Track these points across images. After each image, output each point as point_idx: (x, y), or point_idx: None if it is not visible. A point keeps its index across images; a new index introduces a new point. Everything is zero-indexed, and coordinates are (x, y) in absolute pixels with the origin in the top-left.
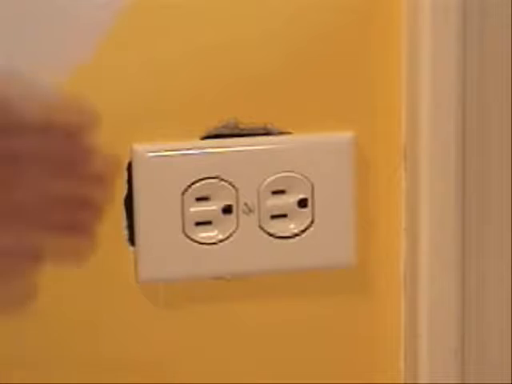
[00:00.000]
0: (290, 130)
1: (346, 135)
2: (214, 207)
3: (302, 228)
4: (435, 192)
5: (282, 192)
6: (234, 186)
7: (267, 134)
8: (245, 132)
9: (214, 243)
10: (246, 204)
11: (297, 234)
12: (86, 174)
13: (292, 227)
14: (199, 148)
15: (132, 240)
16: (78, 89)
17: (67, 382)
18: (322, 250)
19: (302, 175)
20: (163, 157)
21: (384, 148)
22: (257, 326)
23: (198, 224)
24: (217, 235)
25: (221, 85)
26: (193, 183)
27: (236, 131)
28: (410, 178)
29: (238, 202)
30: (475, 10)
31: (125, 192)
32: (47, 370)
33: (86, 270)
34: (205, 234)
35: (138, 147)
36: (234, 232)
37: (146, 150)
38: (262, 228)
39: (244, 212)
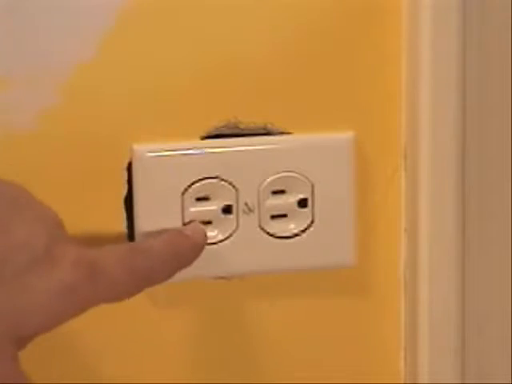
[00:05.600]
0: (290, 130)
1: (346, 135)
2: (213, 207)
3: (302, 228)
4: (435, 192)
5: (282, 192)
6: (234, 186)
7: (267, 134)
8: (245, 132)
9: (213, 243)
10: (246, 204)
11: (297, 234)
12: None
13: (292, 227)
14: (199, 148)
15: (132, 240)
16: (78, 89)
17: (67, 382)
18: (322, 250)
19: (302, 175)
20: (163, 157)
21: (384, 148)
22: (256, 325)
23: None
24: (217, 235)
25: (221, 84)
26: (193, 183)
27: (236, 131)
28: (409, 178)
29: (238, 202)
30: (475, 10)
31: (125, 192)
32: (48, 367)
33: None
34: None
35: (138, 147)
36: (234, 232)
37: (146, 150)
38: (262, 228)
39: (244, 212)
